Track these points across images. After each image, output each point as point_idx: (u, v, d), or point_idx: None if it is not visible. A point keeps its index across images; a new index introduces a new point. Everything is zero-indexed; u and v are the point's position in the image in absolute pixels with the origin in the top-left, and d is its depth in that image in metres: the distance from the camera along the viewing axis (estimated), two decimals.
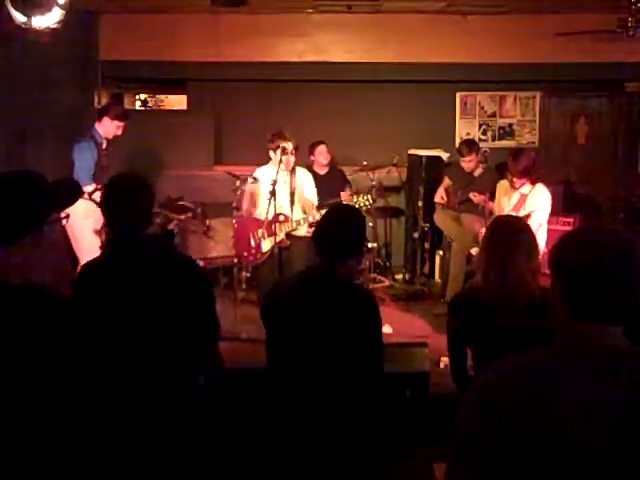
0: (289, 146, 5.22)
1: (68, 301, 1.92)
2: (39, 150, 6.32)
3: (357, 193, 5.55)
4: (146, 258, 2.54)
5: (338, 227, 2.80)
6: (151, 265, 2.52)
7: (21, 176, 1.83)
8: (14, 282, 1.71)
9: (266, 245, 5.25)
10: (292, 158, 5.30)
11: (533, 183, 5.21)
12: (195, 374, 2.55)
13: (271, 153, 5.32)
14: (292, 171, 5.40)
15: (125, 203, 2.54)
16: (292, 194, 5.34)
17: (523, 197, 5.22)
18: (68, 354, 1.67)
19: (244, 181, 5.53)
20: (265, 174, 5.38)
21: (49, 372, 1.64)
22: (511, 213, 5.15)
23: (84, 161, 5.34)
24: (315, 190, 5.61)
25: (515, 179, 5.20)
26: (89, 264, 2.64)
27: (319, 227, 2.92)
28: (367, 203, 5.36)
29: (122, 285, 2.46)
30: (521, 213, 5.11)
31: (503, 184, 5.51)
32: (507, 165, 5.32)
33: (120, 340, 2.27)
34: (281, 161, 5.21)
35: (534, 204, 5.14)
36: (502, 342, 2.53)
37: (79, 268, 2.70)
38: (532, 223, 4.97)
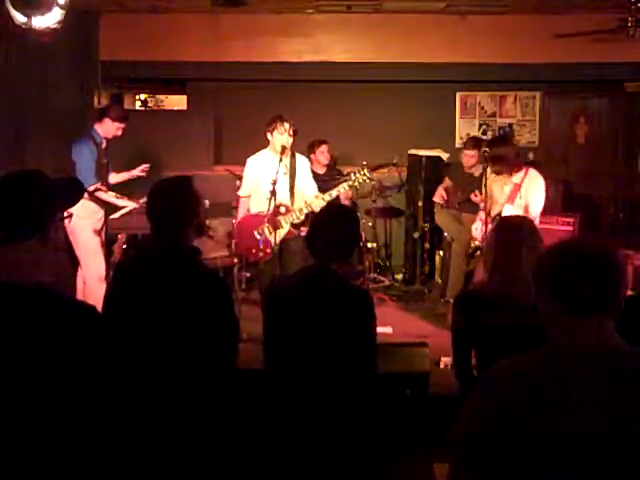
0: (286, 125, 5.08)
1: (76, 302, 1.92)
2: (39, 150, 6.31)
3: (353, 172, 5.31)
4: (172, 266, 2.56)
5: (330, 228, 2.81)
6: (177, 274, 2.55)
7: (28, 176, 1.84)
8: (20, 282, 1.70)
9: (274, 239, 5.04)
10: (290, 139, 5.12)
11: (522, 170, 5.14)
12: (212, 380, 2.57)
13: (268, 135, 5.17)
14: (292, 156, 5.25)
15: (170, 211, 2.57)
16: (292, 182, 5.20)
17: (516, 186, 5.14)
18: (82, 355, 1.67)
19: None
20: (260, 162, 5.23)
21: (62, 373, 1.64)
22: (507, 205, 5.11)
23: (84, 161, 5.34)
24: (311, 178, 5.43)
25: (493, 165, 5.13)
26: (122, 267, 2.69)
27: (311, 227, 2.93)
28: (365, 176, 5.14)
29: (148, 291, 2.49)
30: (516, 203, 5.08)
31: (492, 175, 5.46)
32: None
33: (140, 343, 2.31)
34: (283, 152, 5.05)
35: (529, 196, 5.09)
36: (506, 341, 2.53)
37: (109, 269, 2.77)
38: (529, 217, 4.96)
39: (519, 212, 4.97)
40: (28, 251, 1.73)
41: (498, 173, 5.17)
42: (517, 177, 5.16)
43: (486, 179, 5.15)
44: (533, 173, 5.14)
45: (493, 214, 5.23)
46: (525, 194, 5.09)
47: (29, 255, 1.73)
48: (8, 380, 1.63)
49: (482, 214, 5.42)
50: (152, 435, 2.32)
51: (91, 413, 1.67)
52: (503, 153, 5.03)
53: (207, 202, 2.82)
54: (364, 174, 5.14)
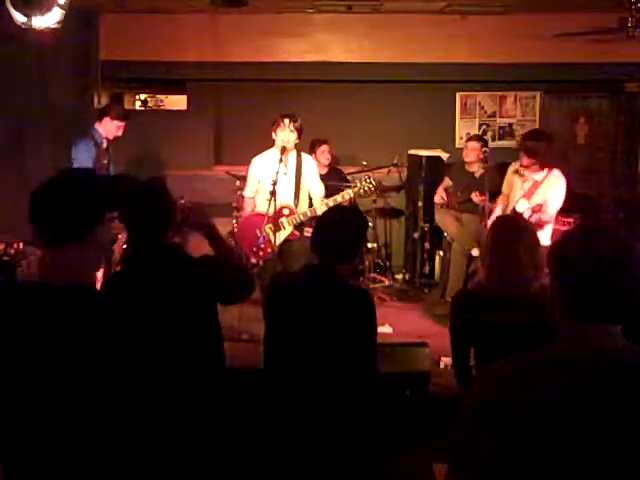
0: (286, 121, 5.01)
1: (114, 303, 1.90)
2: (38, 150, 6.32)
3: (359, 179, 5.29)
4: (166, 261, 2.58)
5: (334, 229, 2.81)
6: (171, 267, 2.57)
7: (79, 176, 1.82)
8: (65, 283, 1.69)
9: (277, 239, 5.02)
10: (292, 136, 5.04)
11: (544, 168, 5.11)
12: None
13: (273, 134, 5.12)
14: (298, 157, 5.20)
15: (149, 209, 2.58)
16: (297, 183, 5.16)
17: (536, 183, 5.11)
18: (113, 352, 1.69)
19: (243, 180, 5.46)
20: (264, 162, 5.18)
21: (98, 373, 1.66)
22: (522, 199, 5.08)
23: (80, 160, 5.33)
24: (318, 179, 5.38)
25: (524, 156, 5.10)
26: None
27: (317, 228, 2.93)
28: (371, 184, 5.09)
29: (149, 287, 2.50)
30: (533, 199, 5.04)
31: (514, 165, 5.38)
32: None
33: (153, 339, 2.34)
34: (283, 152, 5.01)
35: (549, 193, 5.06)
36: (504, 340, 2.54)
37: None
38: (545, 214, 4.92)
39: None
40: (73, 253, 1.71)
41: (527, 166, 5.14)
42: (539, 175, 5.15)
43: (486, 180, 5.14)
44: (556, 172, 5.11)
45: (509, 209, 5.22)
46: (544, 192, 5.05)
47: (74, 257, 1.71)
48: (53, 374, 1.64)
49: (500, 207, 5.40)
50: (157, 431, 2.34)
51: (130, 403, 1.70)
52: (537, 148, 5.04)
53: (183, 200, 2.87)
54: (370, 182, 5.11)
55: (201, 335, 2.56)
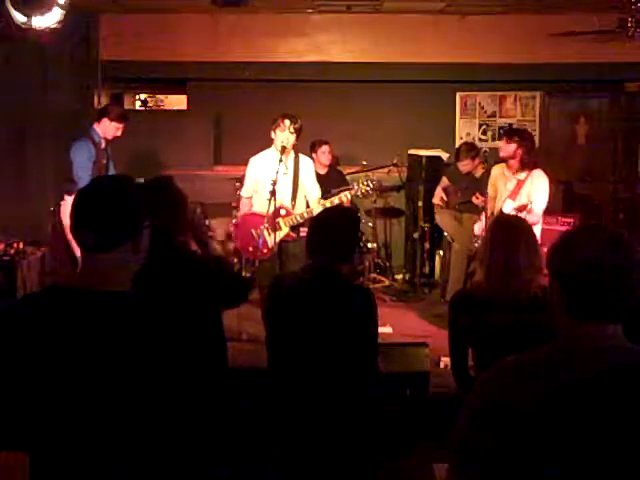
0: (286, 122, 5.00)
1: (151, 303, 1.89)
2: (39, 150, 6.33)
3: (357, 180, 5.29)
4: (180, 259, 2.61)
5: (327, 229, 2.81)
6: (184, 265, 2.61)
7: (120, 181, 1.82)
8: (105, 289, 1.69)
9: (272, 240, 5.01)
10: (291, 137, 5.02)
11: (530, 169, 5.17)
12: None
13: (272, 134, 5.10)
14: (296, 157, 5.19)
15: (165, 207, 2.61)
16: (295, 184, 5.15)
17: (520, 183, 5.16)
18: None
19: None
20: (262, 162, 5.17)
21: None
22: (508, 200, 5.11)
23: (80, 160, 5.33)
24: (315, 180, 5.35)
25: (505, 158, 5.16)
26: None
27: (310, 228, 2.93)
28: (369, 187, 5.10)
29: (169, 285, 2.50)
30: (517, 199, 5.08)
31: (497, 168, 5.45)
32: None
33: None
34: (283, 152, 5.00)
35: (532, 191, 5.09)
36: (503, 340, 2.54)
37: None
38: (532, 214, 4.95)
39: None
40: (117, 259, 1.70)
41: (504, 160, 5.20)
42: (522, 174, 5.17)
43: (486, 180, 5.16)
44: (537, 172, 5.16)
45: (496, 211, 5.23)
46: (528, 191, 5.09)
47: (117, 263, 1.71)
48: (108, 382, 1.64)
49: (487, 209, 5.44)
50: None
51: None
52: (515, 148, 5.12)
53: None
54: (367, 184, 5.10)
55: (207, 335, 2.57)
